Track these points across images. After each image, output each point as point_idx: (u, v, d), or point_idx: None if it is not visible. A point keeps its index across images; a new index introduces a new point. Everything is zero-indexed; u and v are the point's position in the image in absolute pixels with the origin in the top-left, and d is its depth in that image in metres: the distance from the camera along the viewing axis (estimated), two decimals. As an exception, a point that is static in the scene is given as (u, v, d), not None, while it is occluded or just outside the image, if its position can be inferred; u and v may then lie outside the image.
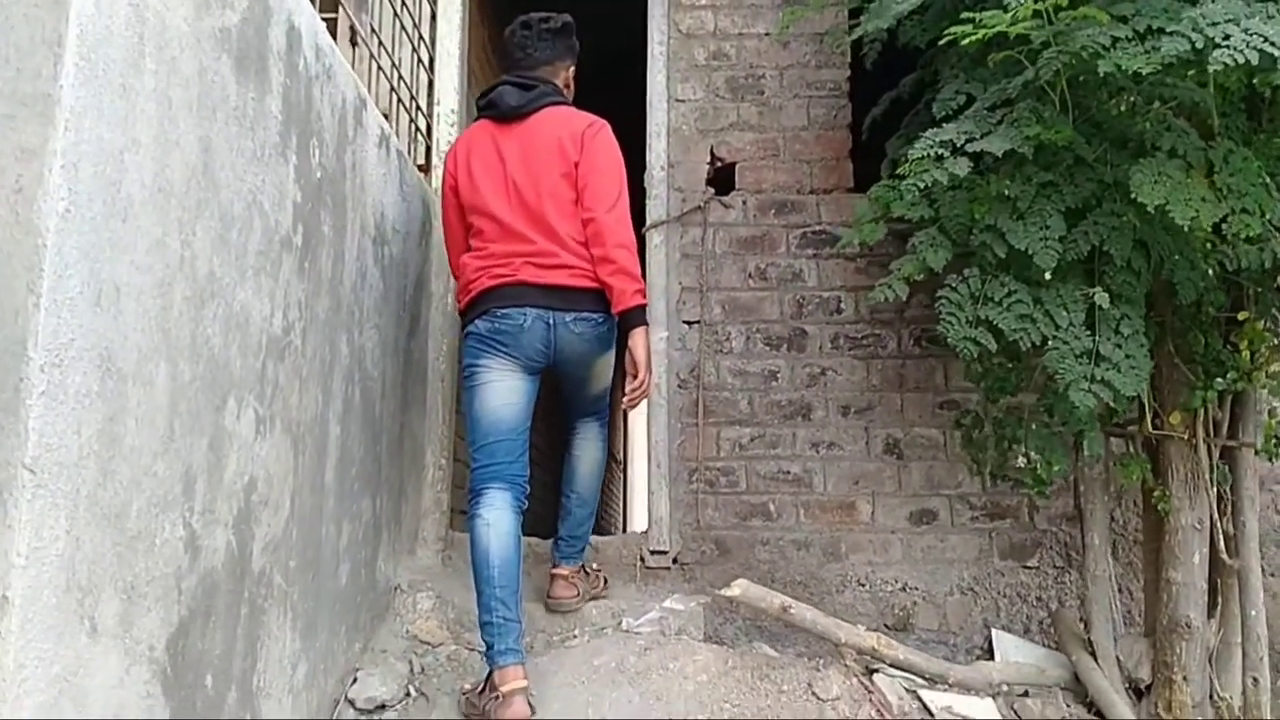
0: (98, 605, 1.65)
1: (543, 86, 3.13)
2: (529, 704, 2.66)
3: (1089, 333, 2.49)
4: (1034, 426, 2.89)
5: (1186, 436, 2.83)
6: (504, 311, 2.97)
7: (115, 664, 1.71)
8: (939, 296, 2.70)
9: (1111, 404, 2.47)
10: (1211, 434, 2.86)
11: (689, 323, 3.90)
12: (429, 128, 4.00)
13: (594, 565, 3.55)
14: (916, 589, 3.67)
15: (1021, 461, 2.99)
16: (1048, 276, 2.57)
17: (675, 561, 3.73)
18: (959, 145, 2.61)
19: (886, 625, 3.63)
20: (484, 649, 2.79)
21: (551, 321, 2.96)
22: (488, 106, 3.14)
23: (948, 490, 3.75)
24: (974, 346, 2.60)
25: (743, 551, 3.73)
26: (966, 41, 2.48)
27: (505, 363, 2.98)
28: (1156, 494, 2.87)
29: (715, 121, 4.02)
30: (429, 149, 4.01)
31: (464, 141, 3.19)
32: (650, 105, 4.03)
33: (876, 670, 2.90)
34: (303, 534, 2.56)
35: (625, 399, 3.00)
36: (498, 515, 2.86)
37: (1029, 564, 3.69)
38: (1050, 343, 2.51)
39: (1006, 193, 2.61)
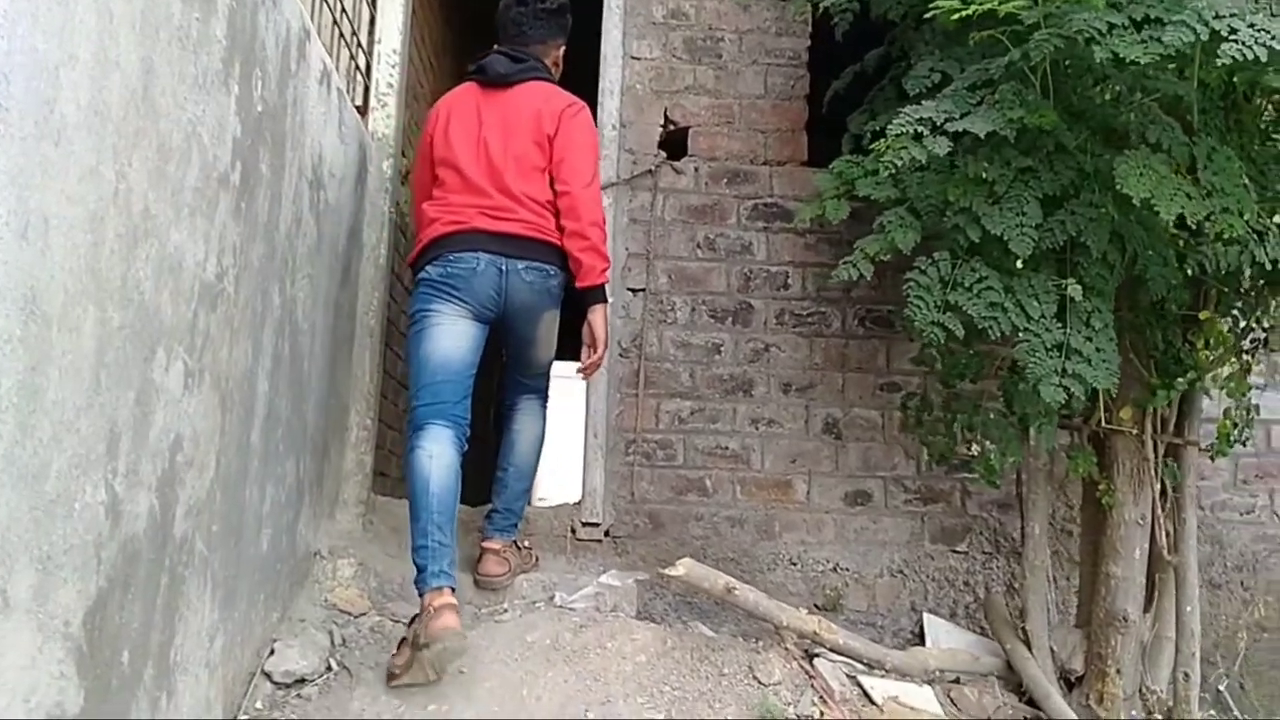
0: (10, 577, 1.47)
1: (531, 62, 3.24)
2: (457, 617, 2.64)
3: (1060, 325, 2.45)
4: (991, 415, 2.85)
5: (1135, 432, 2.83)
6: (456, 255, 3.00)
7: (27, 642, 1.52)
8: (907, 279, 2.63)
9: (1080, 397, 2.43)
10: (1159, 430, 2.87)
11: (634, 290, 3.77)
12: (368, 67, 3.77)
13: (525, 542, 3.41)
14: (848, 569, 3.64)
15: (975, 450, 2.96)
16: (1019, 265, 2.51)
17: (607, 534, 3.63)
18: (939, 124, 2.53)
19: (816, 605, 3.59)
20: (415, 575, 2.77)
21: (504, 268, 2.99)
22: (476, 71, 3.24)
23: (883, 472, 3.72)
24: (941, 332, 2.54)
25: (676, 526, 3.65)
26: (954, 17, 2.39)
27: (456, 308, 2.99)
28: (1101, 488, 2.87)
29: (671, 83, 3.89)
30: (367, 90, 3.78)
31: (447, 101, 3.26)
32: (605, 61, 3.87)
33: (816, 654, 2.85)
34: (227, 497, 2.38)
35: (580, 369, 3.12)
36: (441, 448, 2.86)
37: (959, 549, 3.69)
38: (1021, 334, 2.47)
39: (984, 175, 2.54)
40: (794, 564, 3.63)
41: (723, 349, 3.75)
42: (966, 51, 2.84)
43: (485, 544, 3.23)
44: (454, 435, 2.91)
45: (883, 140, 2.62)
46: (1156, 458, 2.85)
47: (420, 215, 3.19)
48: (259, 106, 2.44)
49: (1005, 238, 2.47)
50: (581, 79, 3.96)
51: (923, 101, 2.61)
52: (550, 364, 3.26)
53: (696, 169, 3.85)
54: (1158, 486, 2.83)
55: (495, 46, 3.30)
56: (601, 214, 3.12)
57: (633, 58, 3.88)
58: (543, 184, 3.08)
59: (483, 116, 3.15)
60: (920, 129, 2.52)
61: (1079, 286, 2.45)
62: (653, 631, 2.85)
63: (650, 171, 3.81)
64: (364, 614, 3.08)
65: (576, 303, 3.11)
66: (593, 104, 3.83)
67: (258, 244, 2.50)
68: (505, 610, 3.07)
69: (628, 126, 3.85)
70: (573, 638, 2.81)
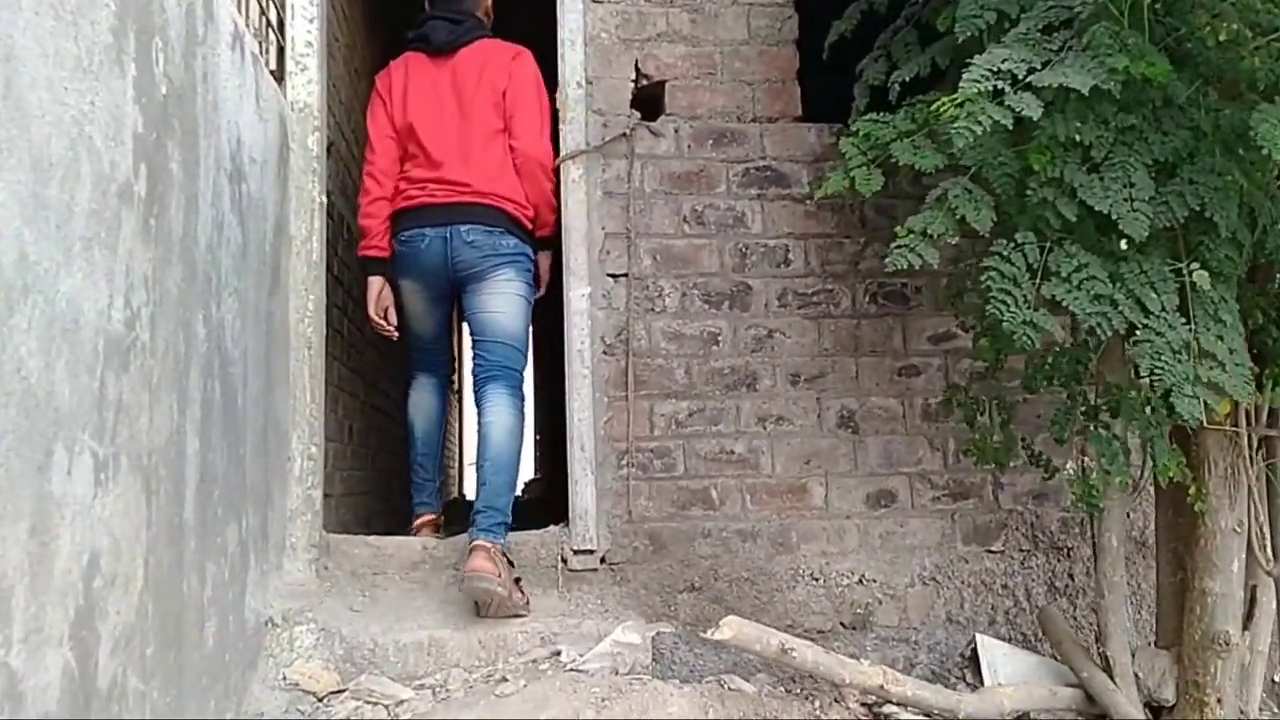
0: None
1: (469, 21, 3.29)
2: (435, 531, 3.35)
3: (1183, 320, 2.02)
4: (1093, 428, 2.41)
5: (1230, 427, 2.44)
6: (408, 235, 3.17)
7: None
8: (985, 268, 2.16)
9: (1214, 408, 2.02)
10: (1253, 423, 2.49)
11: (615, 276, 3.25)
12: (280, 23, 3.13)
13: (518, 575, 2.92)
14: (875, 581, 3.23)
15: (1070, 467, 2.51)
16: (1123, 246, 2.07)
17: (603, 561, 3.14)
18: (1020, 77, 2.05)
19: (843, 624, 3.19)
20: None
21: (448, 236, 3.10)
22: (418, 39, 3.28)
23: (907, 468, 3.30)
24: (1034, 333, 2.09)
25: (681, 546, 3.18)
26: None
27: (413, 285, 3.23)
28: (1192, 491, 2.48)
29: (641, 30, 3.33)
30: (281, 51, 3.15)
31: (398, 68, 3.27)
32: (562, 5, 3.30)
33: (883, 712, 2.43)
34: (160, 604, 1.82)
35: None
36: (423, 397, 3.42)
37: (993, 548, 3.31)
38: (1140, 332, 2.03)
39: (1078, 138, 2.08)
40: (815, 579, 3.21)
41: (720, 338, 3.27)
42: (1022, -16, 2.36)
43: (474, 543, 2.84)
44: (436, 382, 3.44)
45: (942, 98, 2.14)
46: (1251, 454, 2.48)
47: (374, 177, 3.22)
48: (162, 87, 1.85)
49: (1113, 215, 2.03)
50: (539, 26, 3.40)
51: (997, 48, 2.12)
52: (517, 343, 3.15)
53: (677, 130, 3.32)
54: (1256, 487, 2.46)
55: (427, 8, 3.35)
56: (551, 161, 3.22)
57: (595, 1, 3.31)
58: (503, 145, 3.16)
59: (437, 86, 3.20)
60: (999, 83, 2.04)
61: (1205, 273, 2.02)
62: (689, 699, 2.39)
63: (624, 135, 3.27)
64: (334, 692, 2.56)
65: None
66: (551, 56, 3.28)
67: (175, 266, 1.92)
68: (504, 677, 2.57)
69: (594, 83, 3.29)
70: (596, 714, 2.33)
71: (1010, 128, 2.00)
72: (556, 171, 3.26)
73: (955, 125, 2.04)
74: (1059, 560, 3.33)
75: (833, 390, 3.29)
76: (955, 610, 3.24)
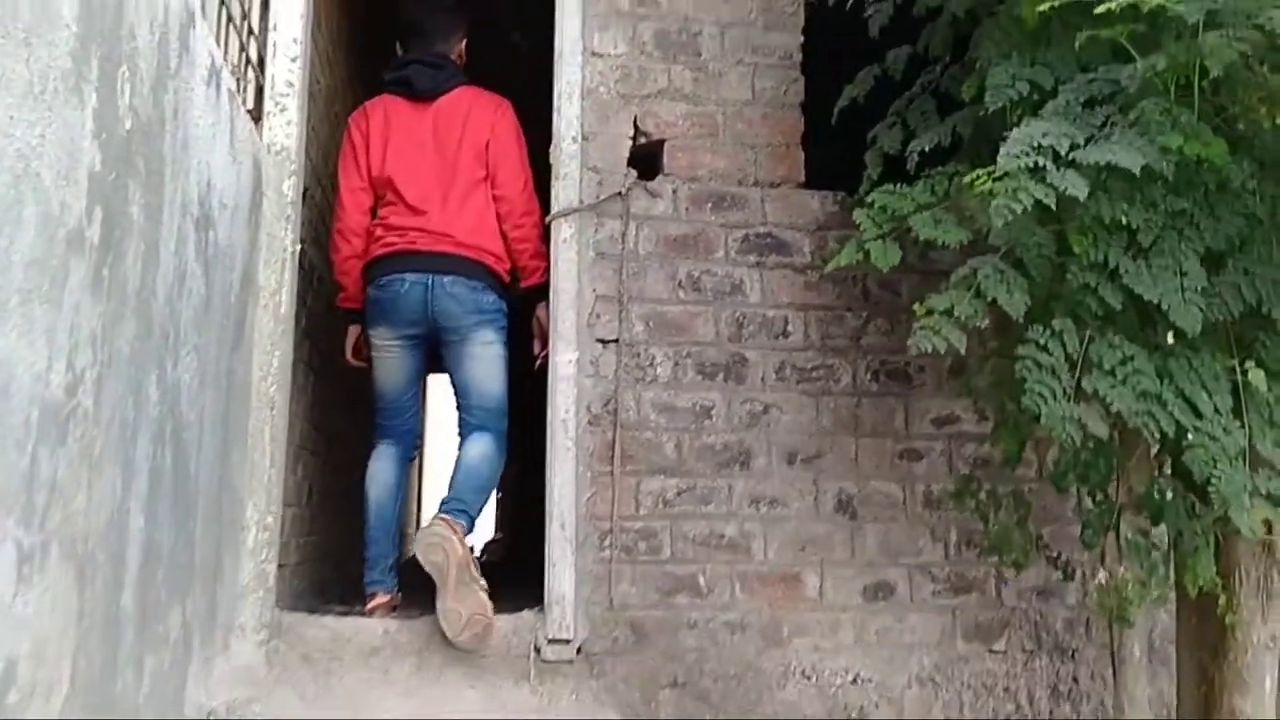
0: None
1: (448, 67, 3.29)
2: (390, 611, 3.07)
3: (1238, 423, 1.86)
4: (1130, 535, 2.23)
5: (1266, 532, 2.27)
6: (386, 280, 3.10)
7: None
8: (1021, 357, 1.99)
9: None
10: (1283, 529, 2.33)
11: (604, 341, 3.05)
12: (260, 61, 2.94)
13: (484, 583, 2.85)
14: (870, 680, 3.01)
15: (1103, 577, 2.32)
16: (1170, 339, 1.91)
17: (580, 652, 2.90)
18: (1062, 153, 1.90)
19: (835, 727, 2.96)
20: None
21: (429, 284, 3.06)
22: (397, 83, 3.24)
23: (907, 559, 3.11)
24: (1077, 432, 1.91)
25: (664, 637, 2.95)
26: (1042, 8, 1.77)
27: (389, 332, 3.15)
28: (1222, 601, 2.30)
29: (641, 85, 3.17)
30: (260, 90, 2.95)
31: (377, 111, 3.22)
32: (560, 57, 3.13)
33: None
34: (90, 709, 1.57)
35: (536, 359, 3.23)
36: (380, 467, 3.24)
37: (995, 647, 3.11)
38: (1192, 436, 1.86)
39: (1124, 220, 1.93)
40: (807, 677, 2.98)
41: (714, 412, 3.07)
42: (1057, 56, 2.23)
43: (437, 516, 2.94)
44: (398, 451, 3.27)
45: (977, 175, 1.98)
46: (1281, 561, 2.31)
47: (350, 234, 3.19)
48: (127, 121, 1.64)
49: (1163, 305, 1.87)
50: (535, 78, 3.24)
51: (1035, 121, 1.97)
52: (499, 404, 3.16)
53: (675, 191, 3.16)
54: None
55: (401, 53, 3.35)
56: (537, 210, 3.18)
57: (594, 54, 3.15)
58: (485, 196, 3.15)
59: (418, 133, 3.16)
60: (1039, 159, 1.89)
61: (1261, 372, 1.87)
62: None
63: (620, 194, 3.10)
64: (280, 800, 2.30)
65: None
66: (546, 108, 3.12)
67: (128, 322, 1.70)
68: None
69: (590, 139, 3.12)
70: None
71: (1054, 207, 1.85)
72: (546, 229, 3.09)
73: (995, 203, 1.88)
74: (1063, 662, 3.14)
75: (830, 472, 3.10)
76: (954, 714, 3.03)
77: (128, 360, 1.70)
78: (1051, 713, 3.07)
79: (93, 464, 1.54)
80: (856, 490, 3.10)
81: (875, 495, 3.11)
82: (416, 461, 3.32)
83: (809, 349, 3.14)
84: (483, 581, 2.84)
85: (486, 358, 3.13)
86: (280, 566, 2.96)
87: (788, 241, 3.17)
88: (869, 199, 2.52)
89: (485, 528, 12.00)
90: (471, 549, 2.96)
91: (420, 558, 2.83)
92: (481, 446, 3.09)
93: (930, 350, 2.09)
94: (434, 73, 3.22)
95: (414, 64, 3.25)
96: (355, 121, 3.24)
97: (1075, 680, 3.14)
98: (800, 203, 3.19)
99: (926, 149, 2.51)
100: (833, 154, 3.22)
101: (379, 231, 3.13)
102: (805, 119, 3.25)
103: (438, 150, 3.13)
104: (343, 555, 4.54)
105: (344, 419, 4.46)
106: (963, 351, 2.10)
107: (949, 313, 2.05)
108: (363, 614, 3.06)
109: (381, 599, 3.11)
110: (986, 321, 2.09)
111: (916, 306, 2.24)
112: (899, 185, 2.50)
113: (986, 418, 2.78)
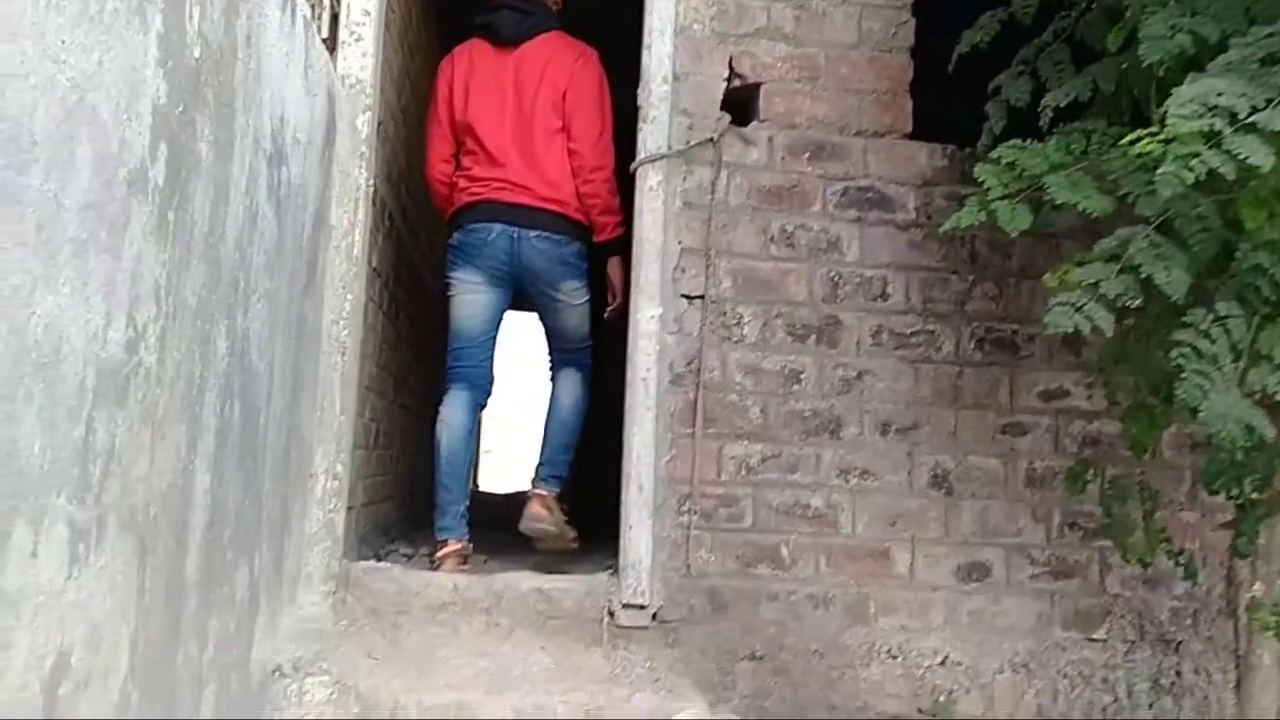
0: None
1: (538, 13, 3.24)
2: (460, 564, 3.01)
3: None
4: None
5: None
6: (473, 227, 3.14)
7: None
8: (1178, 342, 1.78)
9: None
10: None
11: (689, 297, 2.89)
12: (338, -13, 2.78)
13: (568, 520, 3.28)
14: (960, 664, 2.85)
15: (1259, 590, 2.11)
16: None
17: (655, 618, 2.78)
18: (1240, 116, 1.67)
19: (920, 710, 2.81)
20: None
21: (516, 236, 3.10)
22: (484, 28, 3.22)
23: (1005, 539, 2.92)
24: (1241, 433, 1.70)
25: (744, 608, 2.82)
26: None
27: (473, 274, 3.16)
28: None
29: (738, 23, 2.96)
30: (335, 19, 2.80)
31: (462, 57, 3.23)
32: (654, -10, 2.92)
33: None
34: (148, 688, 1.47)
35: (606, 313, 3.35)
36: (453, 413, 3.19)
37: (1095, 636, 2.93)
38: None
39: (1302, 193, 1.70)
40: (893, 657, 2.83)
41: (803, 376, 2.89)
42: (1223, 6, 1.98)
43: (531, 491, 3.24)
44: (470, 397, 3.21)
45: (1138, 135, 1.76)
46: None
47: (435, 180, 3.27)
48: (196, 49, 1.49)
49: (1346, 292, 1.65)
50: (626, 12, 3.04)
51: (1204, 77, 1.74)
52: (587, 343, 3.32)
53: (770, 139, 2.95)
54: None
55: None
56: (611, 164, 3.16)
57: (690, -13, 2.94)
58: (562, 145, 3.13)
59: (500, 81, 3.16)
60: (1214, 121, 1.66)
61: None
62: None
63: (712, 140, 2.90)
64: (346, 765, 2.21)
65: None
66: (636, 47, 2.92)
67: (195, 270, 1.57)
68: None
69: (682, 80, 2.92)
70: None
71: (1233, 178, 1.62)
72: (631, 178, 2.91)
73: (1163, 170, 1.66)
74: (1166, 654, 2.95)
75: (926, 444, 2.91)
76: (1048, 703, 2.86)
77: (194, 312, 1.58)
78: (1151, 706, 2.89)
79: (155, 426, 1.42)
80: (954, 465, 2.91)
81: (973, 471, 2.92)
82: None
83: (909, 313, 2.94)
84: (570, 531, 3.25)
85: (573, 304, 3.23)
86: (348, 509, 2.87)
87: (890, 196, 2.95)
88: (994, 154, 2.29)
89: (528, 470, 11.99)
90: (564, 507, 3.26)
91: (526, 534, 3.18)
92: (572, 392, 3.28)
93: (1072, 330, 1.88)
94: (520, 18, 3.19)
95: (504, 8, 3.21)
96: (442, 68, 3.26)
97: (1178, 674, 2.95)
98: (906, 155, 2.97)
99: (1062, 104, 2.27)
100: (941, 103, 3.00)
101: (463, 182, 3.16)
102: (915, 65, 3.01)
103: (517, 98, 3.12)
104: (407, 495, 4.48)
105: (412, 360, 4.37)
106: (1109, 334, 1.89)
107: (1093, 289, 1.83)
108: (431, 561, 3.09)
109: (453, 546, 3.07)
110: (1140, 301, 1.87)
111: (1047, 277, 2.03)
112: (1028, 141, 2.26)
113: (1108, 396, 2.55)
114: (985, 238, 2.94)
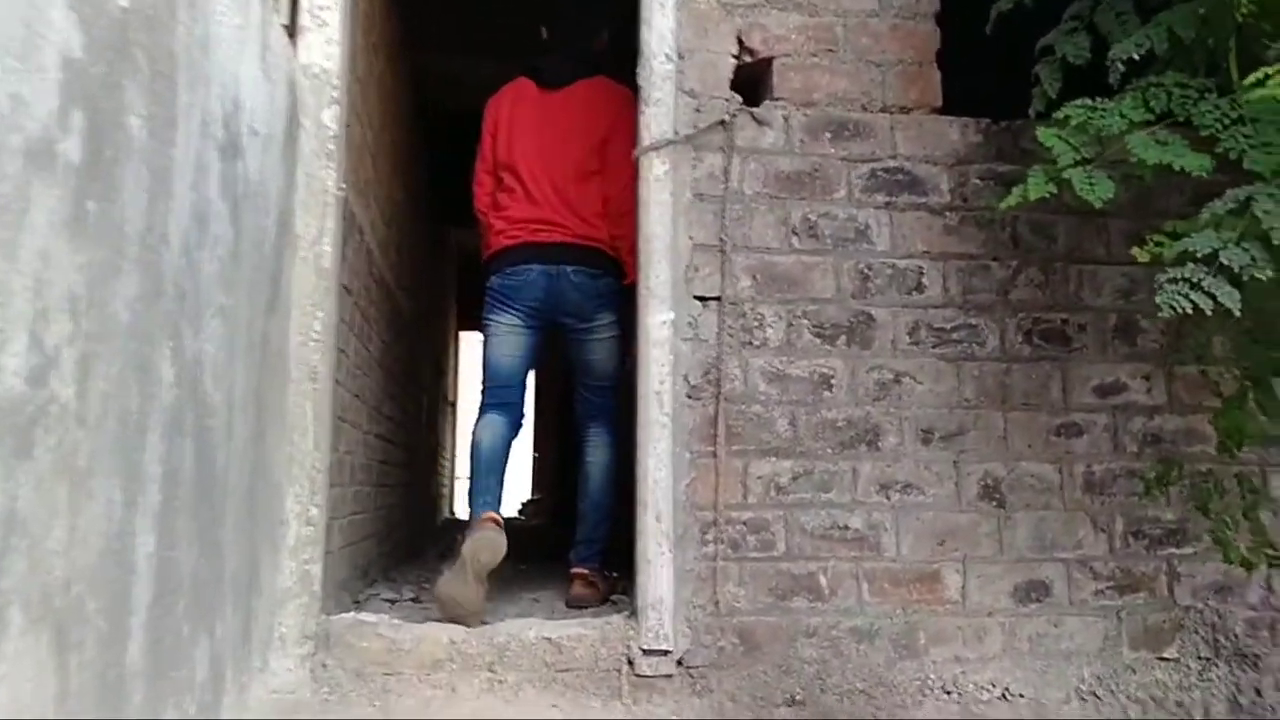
0: None
1: (583, 60, 3.28)
2: (494, 531, 2.82)
3: None
4: None
5: None
6: (512, 269, 3.18)
7: None
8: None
9: None
10: None
11: (704, 299, 2.57)
12: (293, -37, 2.45)
13: (613, 573, 3.18)
14: (1021, 695, 2.55)
15: None
16: None
17: (680, 664, 2.46)
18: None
19: (981, 751, 2.51)
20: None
21: (554, 273, 3.14)
22: (531, 71, 3.29)
23: (1064, 552, 2.63)
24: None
25: (779, 646, 2.50)
26: None
27: (511, 317, 3.21)
28: None
29: (745, -8, 2.66)
30: (295, 3, 2.46)
31: (508, 96, 3.29)
32: (650, -42, 2.62)
33: None
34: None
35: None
36: (495, 419, 3.22)
37: (1166, 654, 2.64)
38: None
39: None
40: (948, 692, 2.52)
41: (834, 382, 2.59)
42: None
43: (573, 570, 3.19)
44: (506, 419, 3.24)
45: (1265, 73, 1.47)
46: None
47: (488, 224, 3.31)
48: (119, -4, 1.16)
49: None
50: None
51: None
52: (614, 381, 3.29)
53: (787, 119, 2.65)
54: None
55: (546, 37, 3.36)
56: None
57: (689, -46, 2.64)
58: (598, 187, 3.17)
59: (541, 122, 3.21)
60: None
61: None
62: None
63: (722, 123, 2.60)
64: None
65: None
66: (634, 21, 2.61)
67: (127, 278, 1.23)
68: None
69: (686, 57, 2.62)
70: None
71: None
72: (636, 165, 2.59)
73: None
74: (1244, 670, 2.66)
75: (974, 452, 2.61)
76: (1121, 735, 2.56)
77: (128, 331, 1.24)
78: (1241, 737, 2.60)
79: (76, 480, 1.08)
80: (1005, 473, 2.62)
81: (1026, 479, 2.63)
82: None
83: (947, 306, 2.64)
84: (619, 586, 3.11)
85: (606, 338, 3.24)
86: (326, 554, 2.53)
87: (922, 178, 2.66)
88: (1061, 115, 2.00)
89: (522, 488, 11.61)
90: (606, 576, 3.19)
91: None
92: (602, 458, 3.28)
93: (1187, 311, 1.58)
94: (567, 65, 3.26)
95: (553, 54, 3.30)
96: (489, 106, 3.32)
97: (1258, 692, 2.66)
98: (937, 131, 2.68)
99: (1137, 55, 1.98)
100: (971, 73, 2.72)
101: (500, 224, 3.21)
102: (942, 33, 2.73)
103: (560, 142, 3.16)
104: (385, 531, 4.14)
105: (384, 384, 4.03)
106: (1237, 313, 1.60)
107: (1212, 259, 1.54)
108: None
109: (489, 514, 3.00)
110: (1270, 273, 1.58)
111: (1137, 250, 1.73)
112: (1099, 100, 1.98)
113: (1176, 389, 2.26)
114: (1026, 219, 2.66)
